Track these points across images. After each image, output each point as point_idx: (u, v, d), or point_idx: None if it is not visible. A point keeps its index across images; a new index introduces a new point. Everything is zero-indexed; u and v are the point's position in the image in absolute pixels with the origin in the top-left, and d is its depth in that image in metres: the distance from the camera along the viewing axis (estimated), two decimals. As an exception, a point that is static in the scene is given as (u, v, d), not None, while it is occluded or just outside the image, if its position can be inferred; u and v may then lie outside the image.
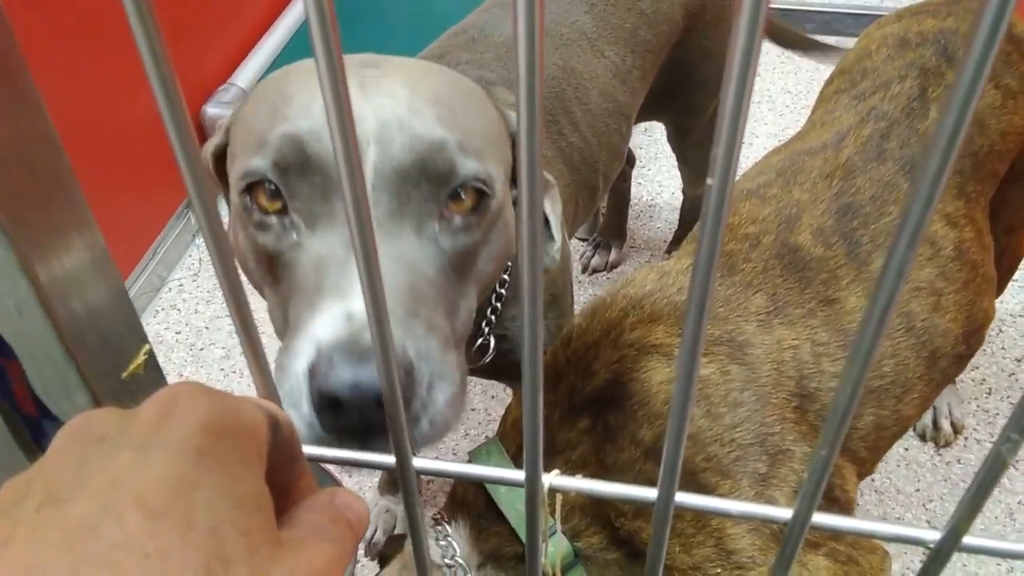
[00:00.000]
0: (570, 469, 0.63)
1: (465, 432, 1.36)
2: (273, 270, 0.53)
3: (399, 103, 0.51)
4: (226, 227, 0.72)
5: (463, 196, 0.52)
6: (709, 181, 0.24)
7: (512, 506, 0.65)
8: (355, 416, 0.43)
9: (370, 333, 0.29)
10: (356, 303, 0.45)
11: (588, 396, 0.64)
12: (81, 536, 0.20)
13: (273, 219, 0.51)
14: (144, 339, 0.46)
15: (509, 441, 0.68)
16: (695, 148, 1.30)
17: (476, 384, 1.41)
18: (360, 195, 0.27)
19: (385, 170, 0.50)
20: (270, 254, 0.52)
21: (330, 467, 1.09)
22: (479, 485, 0.67)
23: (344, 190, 0.26)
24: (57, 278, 0.37)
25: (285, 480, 0.28)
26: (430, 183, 0.51)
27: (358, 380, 0.42)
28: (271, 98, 0.53)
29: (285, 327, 0.51)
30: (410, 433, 0.45)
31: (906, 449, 1.29)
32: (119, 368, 0.44)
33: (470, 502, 0.68)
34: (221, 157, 0.60)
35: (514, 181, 0.63)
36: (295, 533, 0.26)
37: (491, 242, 0.55)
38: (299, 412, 0.45)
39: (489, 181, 0.53)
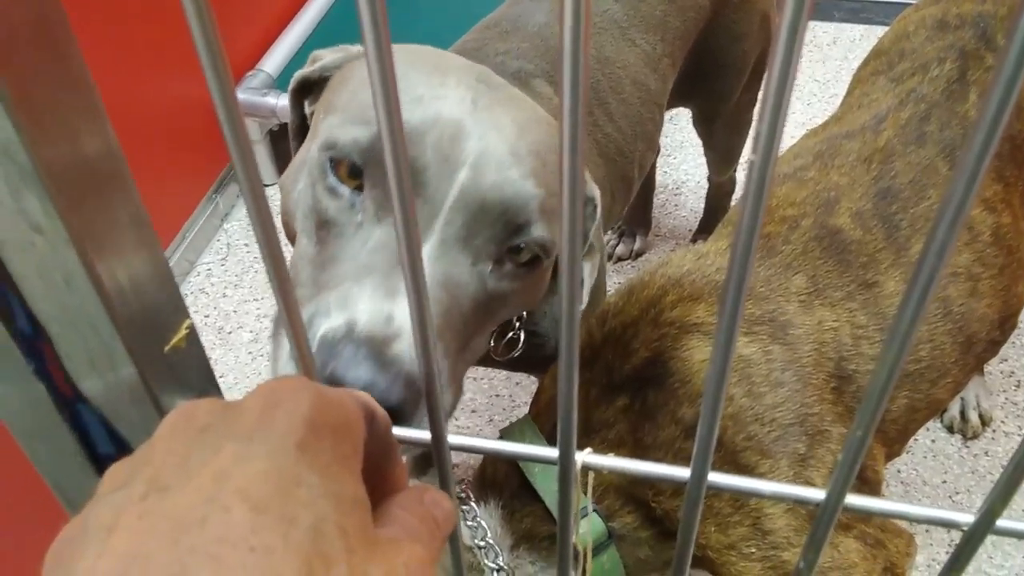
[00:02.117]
0: (605, 449, 0.63)
1: (490, 418, 1.36)
2: (323, 230, 0.53)
3: (504, 140, 0.52)
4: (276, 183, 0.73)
5: (523, 251, 0.54)
6: (752, 157, 0.24)
7: (548, 485, 0.65)
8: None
9: (412, 341, 0.27)
10: (400, 308, 0.46)
11: (626, 374, 0.64)
12: (187, 527, 0.20)
13: (345, 190, 0.52)
14: (186, 313, 0.47)
15: (543, 421, 0.68)
16: (722, 133, 1.30)
17: (500, 371, 1.41)
18: (406, 189, 0.27)
19: (470, 195, 0.51)
20: (328, 219, 0.53)
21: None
22: (511, 464, 0.67)
23: (391, 181, 0.26)
24: (103, 249, 0.38)
25: (378, 471, 0.29)
26: (503, 228, 0.52)
27: (375, 383, 0.43)
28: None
29: (312, 281, 0.52)
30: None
31: (933, 441, 1.28)
32: (162, 342, 0.45)
33: (501, 482, 0.68)
34: (305, 88, 0.62)
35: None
36: (389, 532, 0.26)
37: (524, 293, 0.57)
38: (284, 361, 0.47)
39: (551, 249, 0.54)
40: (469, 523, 0.67)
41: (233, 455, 0.22)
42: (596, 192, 0.62)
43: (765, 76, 0.22)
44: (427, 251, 0.50)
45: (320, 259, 0.53)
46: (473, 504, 0.68)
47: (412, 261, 0.29)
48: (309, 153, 0.55)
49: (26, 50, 0.30)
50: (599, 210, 0.62)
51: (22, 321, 0.37)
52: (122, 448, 0.40)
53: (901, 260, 0.70)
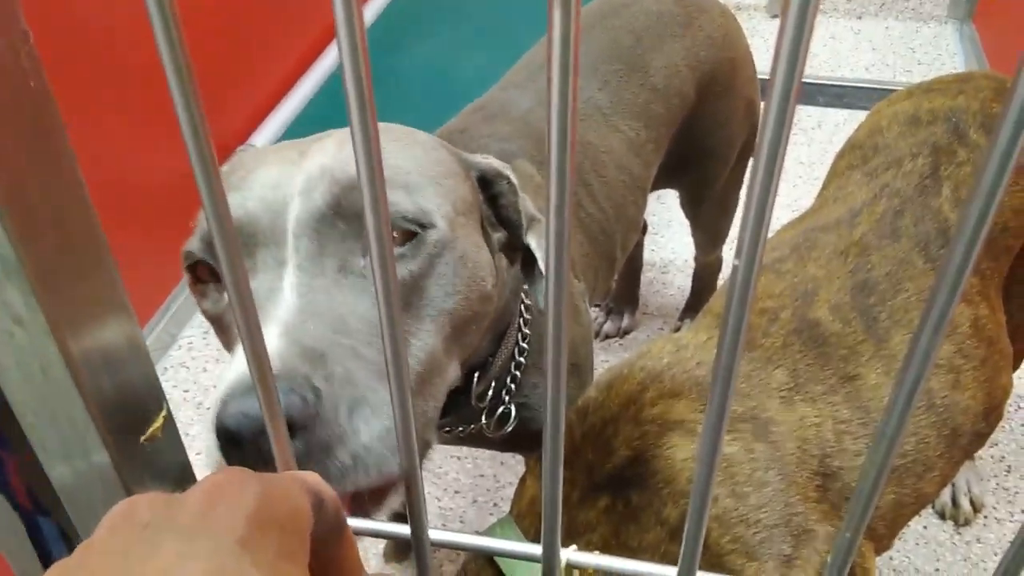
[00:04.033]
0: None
1: (473, 499, 1.33)
2: (224, 331, 0.57)
3: (327, 156, 0.54)
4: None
5: (393, 232, 0.53)
6: (735, 262, 0.25)
7: None
8: (252, 448, 0.44)
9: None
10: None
11: (608, 474, 0.63)
12: None
13: (211, 287, 0.56)
14: (163, 402, 0.46)
15: (526, 522, 0.66)
16: (708, 215, 1.32)
17: (484, 451, 1.39)
18: (386, 250, 0.27)
19: (304, 217, 0.52)
20: (214, 317, 0.57)
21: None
22: (495, 569, 0.65)
23: (371, 248, 0.26)
24: (82, 339, 0.37)
25: (328, 554, 0.28)
26: (348, 221, 0.52)
27: (244, 410, 0.44)
28: None
29: None
30: (323, 465, 0.45)
31: (924, 527, 1.26)
32: (138, 432, 0.44)
33: None
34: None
35: (504, 222, 0.64)
36: None
37: (439, 275, 0.55)
38: (209, 449, 0.47)
39: (419, 214, 0.54)
40: None
41: (174, 554, 0.21)
42: (506, 170, 0.62)
43: (750, 166, 0.22)
44: (288, 284, 0.50)
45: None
46: None
47: (395, 350, 0.29)
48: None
49: (14, 147, 0.30)
50: (516, 185, 0.62)
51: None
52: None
53: (881, 352, 0.70)
